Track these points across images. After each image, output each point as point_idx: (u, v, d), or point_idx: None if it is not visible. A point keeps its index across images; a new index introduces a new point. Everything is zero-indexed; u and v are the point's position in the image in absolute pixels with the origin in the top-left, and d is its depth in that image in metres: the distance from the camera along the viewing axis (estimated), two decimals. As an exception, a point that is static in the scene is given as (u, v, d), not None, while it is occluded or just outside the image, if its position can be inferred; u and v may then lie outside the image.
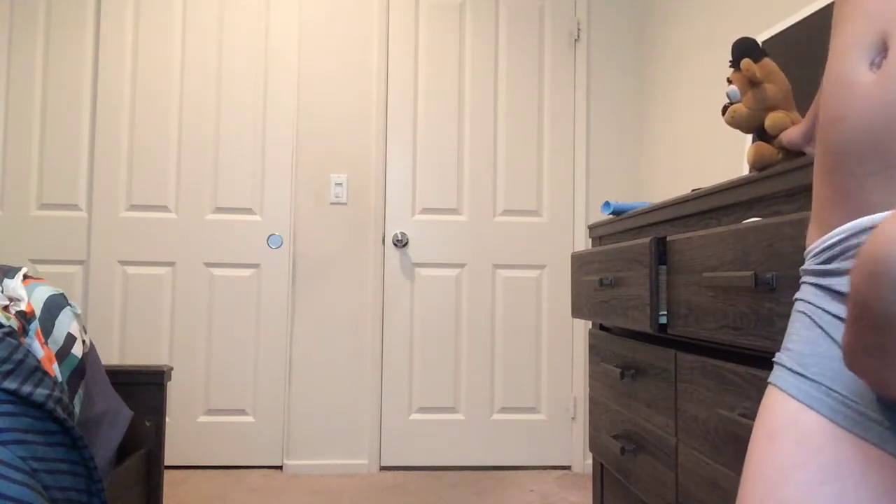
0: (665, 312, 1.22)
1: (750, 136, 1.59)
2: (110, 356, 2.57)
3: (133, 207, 2.62)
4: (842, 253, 0.41)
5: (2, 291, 1.28)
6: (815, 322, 0.45)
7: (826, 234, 0.44)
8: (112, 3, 2.63)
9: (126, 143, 2.63)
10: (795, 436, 0.45)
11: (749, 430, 0.90)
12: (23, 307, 1.24)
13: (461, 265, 2.68)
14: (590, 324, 2.52)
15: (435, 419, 2.64)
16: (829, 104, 0.43)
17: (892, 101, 0.37)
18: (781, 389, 0.47)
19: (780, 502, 0.45)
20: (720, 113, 2.06)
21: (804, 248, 0.80)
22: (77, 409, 1.27)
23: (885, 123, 0.37)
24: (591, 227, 1.80)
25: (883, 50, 0.40)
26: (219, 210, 2.64)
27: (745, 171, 1.59)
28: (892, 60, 0.38)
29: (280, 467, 2.60)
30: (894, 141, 0.37)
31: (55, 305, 1.31)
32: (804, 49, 1.44)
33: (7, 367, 1.04)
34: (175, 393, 2.58)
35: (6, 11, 2.64)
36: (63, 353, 1.26)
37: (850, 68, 0.41)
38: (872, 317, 0.34)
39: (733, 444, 0.99)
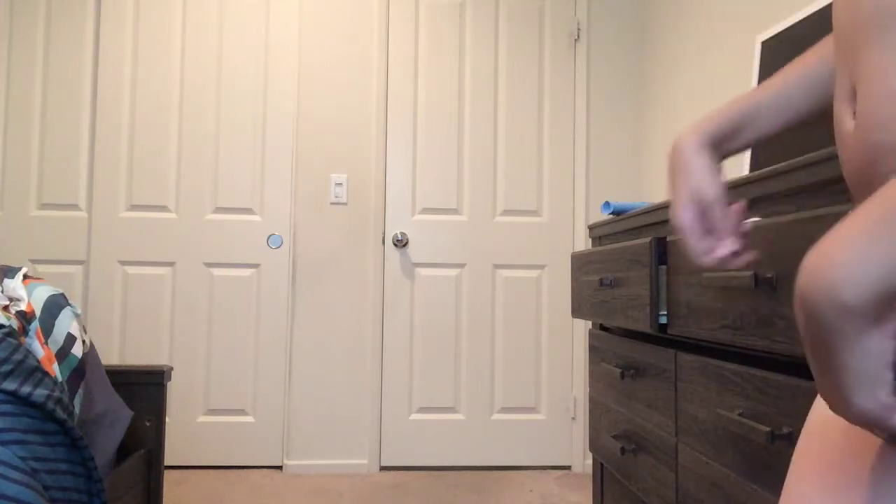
0: (665, 312, 1.22)
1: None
2: (110, 356, 2.57)
3: (133, 207, 2.62)
4: None
5: (2, 291, 1.28)
6: None
7: None
8: (112, 3, 2.63)
9: (126, 143, 2.63)
10: (822, 433, 0.48)
11: (748, 429, 0.90)
12: (23, 307, 1.24)
13: (461, 265, 2.68)
14: (590, 324, 2.52)
15: (435, 419, 2.64)
16: (838, 148, 0.48)
17: (864, 147, 0.42)
18: None
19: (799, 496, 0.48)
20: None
21: (805, 248, 0.80)
22: (77, 409, 1.27)
23: (864, 166, 0.42)
24: (591, 227, 1.80)
25: (855, 100, 0.44)
26: (219, 210, 2.64)
27: (745, 171, 1.59)
28: (860, 110, 0.42)
29: (280, 467, 2.60)
30: (872, 181, 0.42)
31: (55, 305, 1.31)
32: (805, 49, 1.44)
33: (7, 367, 1.04)
34: (175, 393, 2.58)
35: (6, 11, 2.64)
36: (63, 353, 1.26)
37: (840, 117, 0.46)
38: (801, 334, 0.37)
39: (733, 444, 0.99)
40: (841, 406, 0.37)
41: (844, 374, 0.36)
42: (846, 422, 0.46)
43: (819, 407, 0.51)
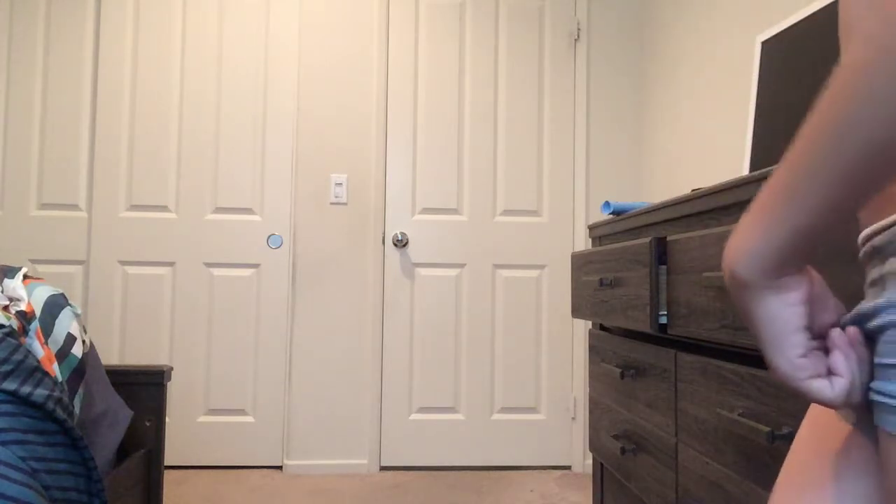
0: (665, 312, 1.22)
1: (749, 137, 1.59)
2: (110, 356, 2.57)
3: (133, 207, 2.62)
4: None
5: (2, 291, 1.28)
6: None
7: None
8: (112, 3, 2.63)
9: (126, 143, 2.63)
10: (820, 414, 0.50)
11: (748, 429, 0.90)
12: (23, 307, 1.24)
13: (461, 265, 2.68)
14: (590, 324, 2.52)
15: (435, 419, 2.64)
16: None
17: None
18: None
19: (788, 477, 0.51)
20: (719, 113, 2.07)
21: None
22: (77, 409, 1.27)
23: None
24: (591, 227, 1.80)
25: None
26: (219, 210, 2.64)
27: (745, 171, 1.59)
28: None
29: (280, 467, 2.60)
30: None
31: (55, 305, 1.31)
32: (805, 49, 1.44)
33: (7, 367, 1.04)
34: (175, 393, 2.58)
35: (6, 11, 2.64)
36: (63, 353, 1.26)
37: None
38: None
39: (733, 444, 0.99)
40: (770, 369, 0.42)
41: (762, 339, 0.42)
42: (826, 421, 0.48)
43: (811, 410, 0.52)
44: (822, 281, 0.43)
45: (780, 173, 0.39)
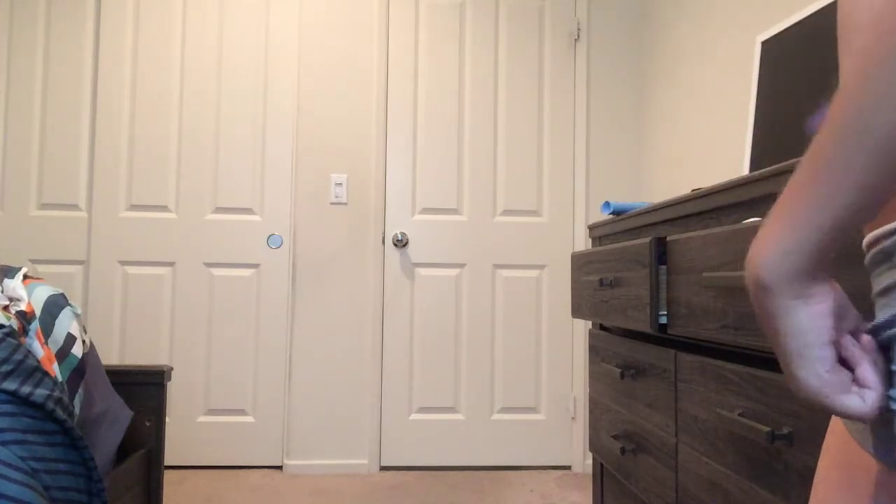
0: (665, 312, 1.22)
1: (749, 137, 1.59)
2: (110, 356, 2.57)
3: (133, 207, 2.62)
4: None
5: (2, 291, 1.28)
6: None
7: None
8: (112, 3, 2.63)
9: (126, 143, 2.63)
10: (835, 445, 0.49)
11: (748, 429, 0.90)
12: (23, 307, 1.24)
13: (461, 265, 2.68)
14: (590, 324, 2.52)
15: (435, 419, 2.64)
16: None
17: None
18: None
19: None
20: (719, 113, 2.07)
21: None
22: (77, 409, 1.27)
23: None
24: (591, 227, 1.80)
25: None
26: (219, 210, 2.64)
27: (745, 171, 1.59)
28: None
29: (280, 467, 2.60)
30: None
31: (55, 305, 1.31)
32: (805, 49, 1.43)
33: (7, 367, 1.04)
34: (175, 393, 2.58)
35: (6, 11, 2.64)
36: (63, 353, 1.26)
37: None
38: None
39: (733, 444, 0.99)
40: (792, 384, 0.39)
41: (786, 351, 0.39)
42: (846, 435, 0.46)
43: (833, 421, 0.50)
44: (841, 290, 0.41)
45: (804, 169, 0.37)
